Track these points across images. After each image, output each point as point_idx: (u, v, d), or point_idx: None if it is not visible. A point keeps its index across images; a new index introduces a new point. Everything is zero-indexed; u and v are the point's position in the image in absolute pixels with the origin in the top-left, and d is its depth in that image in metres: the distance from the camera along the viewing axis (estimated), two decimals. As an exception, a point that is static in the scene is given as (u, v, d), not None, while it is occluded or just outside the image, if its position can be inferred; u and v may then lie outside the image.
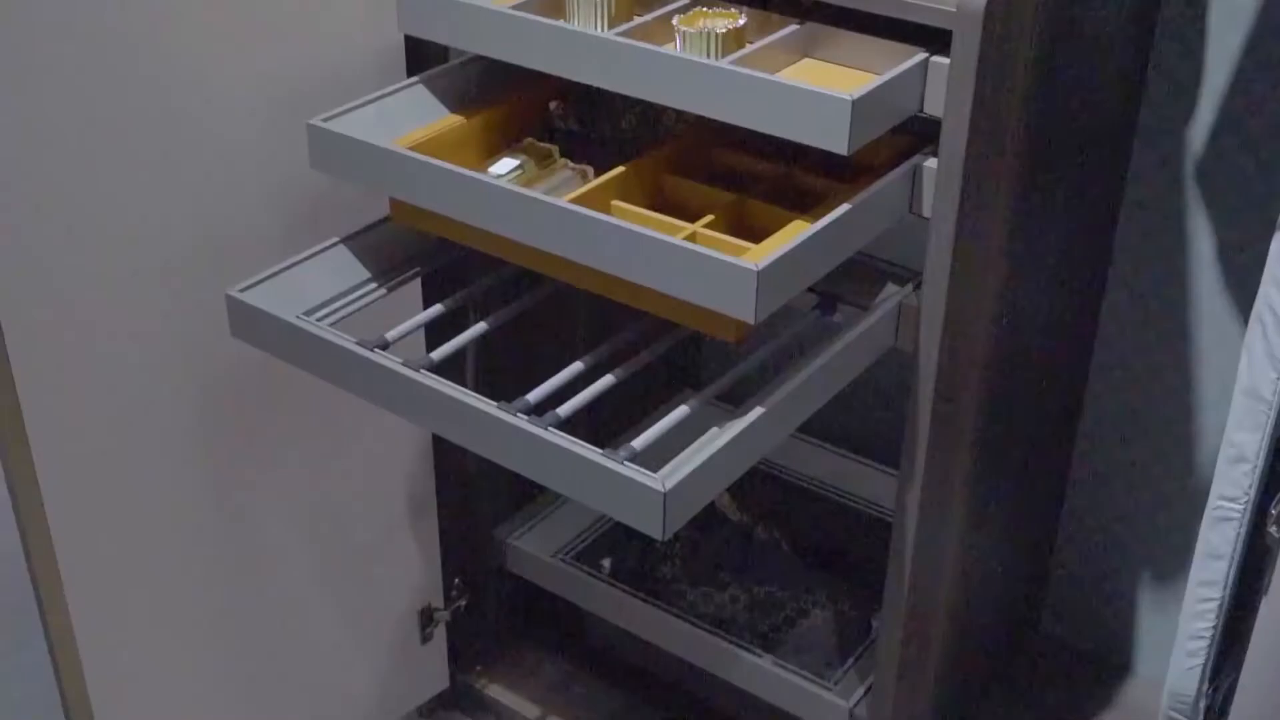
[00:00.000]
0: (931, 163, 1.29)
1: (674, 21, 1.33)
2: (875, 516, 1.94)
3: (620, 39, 1.30)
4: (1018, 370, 1.59)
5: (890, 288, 1.41)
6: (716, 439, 1.19)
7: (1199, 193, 1.66)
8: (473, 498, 1.87)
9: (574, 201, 1.30)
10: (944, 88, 1.23)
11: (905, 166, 1.30)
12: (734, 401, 1.33)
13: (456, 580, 1.92)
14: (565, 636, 2.05)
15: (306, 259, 1.42)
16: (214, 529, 1.57)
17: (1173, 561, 1.87)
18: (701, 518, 1.44)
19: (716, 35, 1.29)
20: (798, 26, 1.34)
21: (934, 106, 1.26)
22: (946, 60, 1.23)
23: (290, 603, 1.71)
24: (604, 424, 1.72)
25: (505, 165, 1.43)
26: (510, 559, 1.89)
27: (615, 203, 1.36)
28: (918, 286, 1.37)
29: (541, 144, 1.49)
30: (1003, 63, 1.25)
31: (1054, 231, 1.55)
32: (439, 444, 1.80)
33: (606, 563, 1.87)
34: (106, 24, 1.27)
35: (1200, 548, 1.34)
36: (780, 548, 1.93)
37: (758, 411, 1.21)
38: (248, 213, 1.46)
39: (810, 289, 1.40)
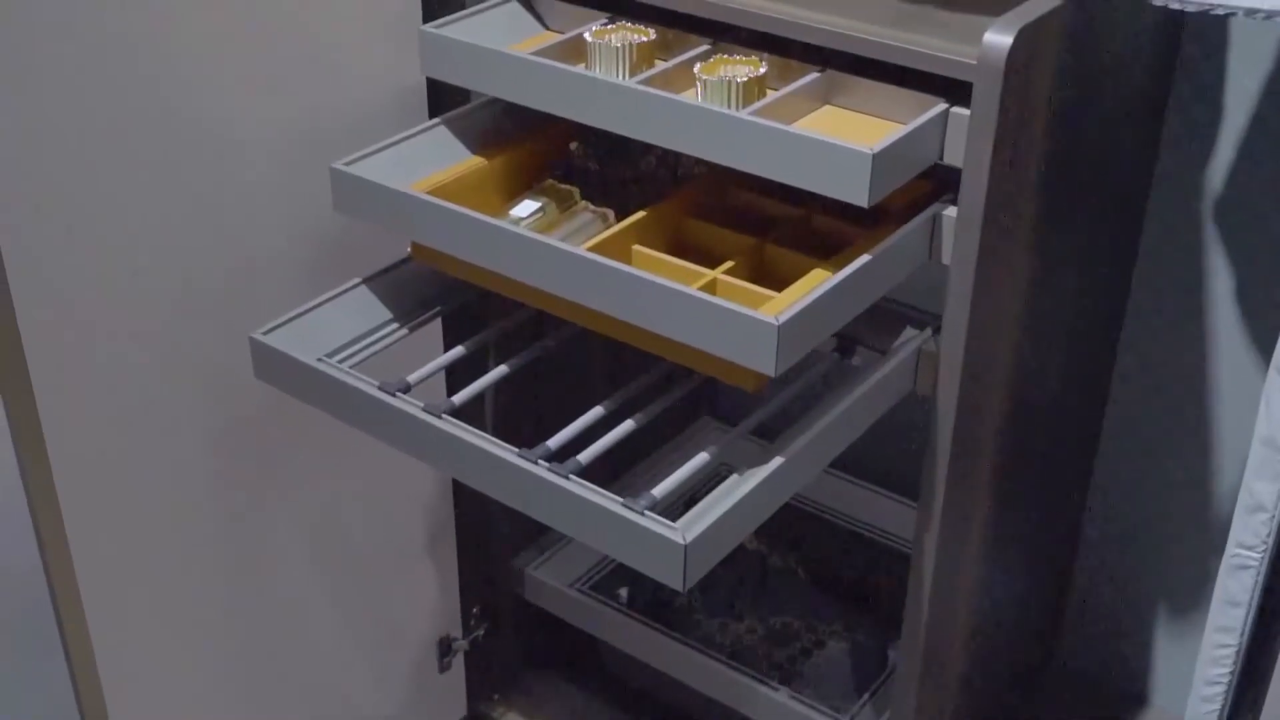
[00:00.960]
0: (951, 211, 1.30)
1: (695, 69, 1.34)
2: (891, 547, 1.95)
3: (641, 88, 1.31)
4: (1036, 411, 1.59)
5: (908, 331, 1.41)
6: (736, 489, 1.20)
7: (1217, 233, 1.66)
8: (491, 527, 1.88)
9: (595, 247, 1.31)
10: (964, 139, 1.24)
11: (925, 215, 1.30)
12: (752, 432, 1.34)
13: (474, 610, 1.93)
14: (582, 666, 2.06)
15: (329, 300, 1.44)
16: (233, 558, 1.58)
17: (1189, 594, 1.88)
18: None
19: (737, 84, 1.30)
20: (818, 74, 1.34)
21: (954, 157, 1.26)
22: (966, 111, 1.23)
23: (309, 632, 1.72)
24: (621, 446, 1.73)
25: (526, 208, 1.44)
26: (528, 589, 1.90)
27: (636, 248, 1.37)
28: (936, 331, 1.37)
29: (562, 185, 1.50)
30: (1022, 113, 1.25)
31: (1073, 275, 1.55)
32: (458, 475, 1.81)
33: (624, 592, 1.88)
34: (139, 71, 1.29)
35: (1218, 594, 1.34)
36: (797, 576, 1.94)
37: (777, 461, 1.22)
38: (272, 252, 1.48)
39: (829, 332, 1.40)
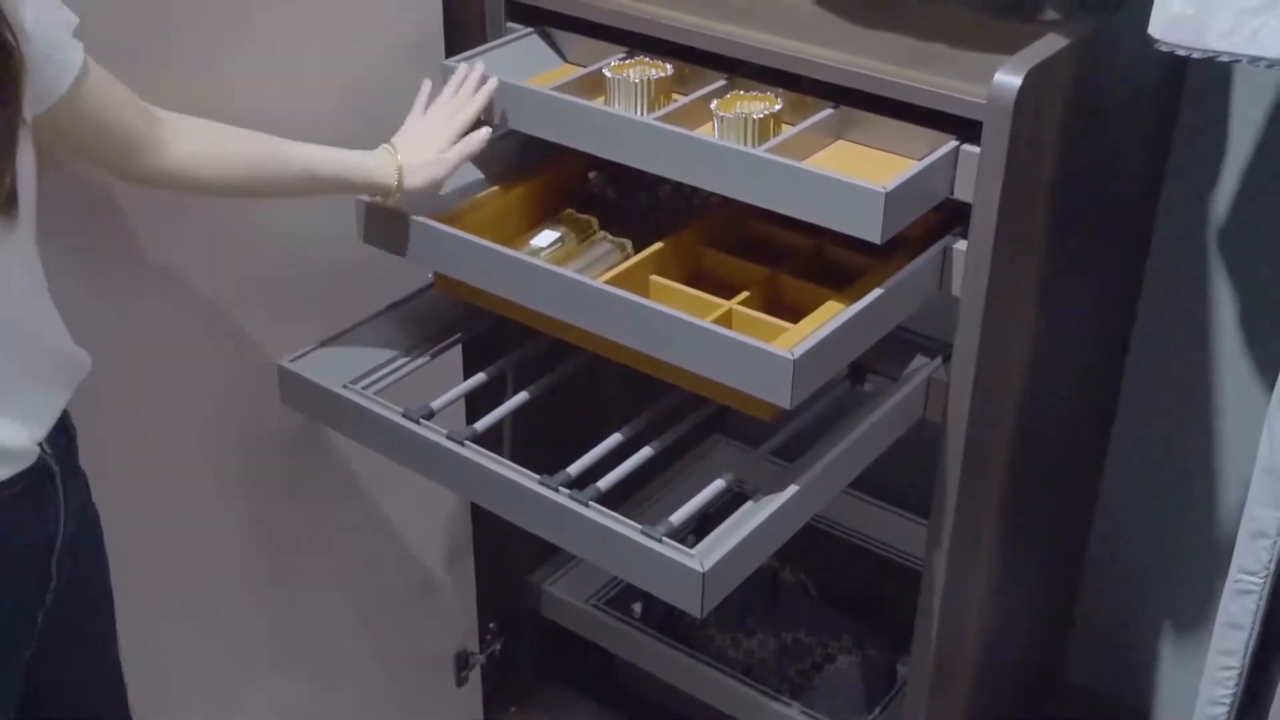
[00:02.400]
0: (961, 245, 1.33)
1: (711, 105, 1.37)
2: (901, 563, 1.97)
3: (661, 125, 1.34)
4: (1043, 435, 1.62)
5: (919, 359, 1.45)
6: (752, 515, 1.23)
7: (1222, 260, 1.69)
8: (508, 544, 1.91)
9: (613, 279, 1.35)
10: (974, 175, 1.27)
11: (936, 248, 1.34)
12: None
13: (491, 625, 1.96)
14: (597, 680, 2.08)
15: (354, 328, 1.47)
16: (257, 574, 1.62)
17: (1194, 612, 1.90)
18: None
19: (753, 120, 1.33)
20: (832, 110, 1.38)
21: (964, 192, 1.29)
22: (976, 149, 1.27)
23: (329, 646, 1.75)
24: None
25: (546, 238, 1.48)
26: (544, 604, 1.93)
27: (654, 278, 1.40)
28: (946, 359, 1.40)
29: (581, 215, 1.53)
30: (1031, 150, 1.29)
31: (1080, 303, 1.59)
32: (476, 494, 1.84)
33: (638, 607, 1.91)
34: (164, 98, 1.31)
35: (1221, 618, 1.37)
36: (808, 592, 1.96)
37: (792, 489, 1.25)
38: (299, 279, 1.51)
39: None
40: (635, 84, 1.40)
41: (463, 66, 1.43)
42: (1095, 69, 1.38)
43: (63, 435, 1.18)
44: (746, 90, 1.40)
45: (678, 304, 1.37)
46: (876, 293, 1.28)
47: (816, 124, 1.36)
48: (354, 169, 1.34)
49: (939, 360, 1.42)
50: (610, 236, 1.50)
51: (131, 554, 1.41)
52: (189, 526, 1.50)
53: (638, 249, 1.47)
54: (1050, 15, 1.45)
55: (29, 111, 1.05)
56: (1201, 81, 1.60)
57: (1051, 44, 1.29)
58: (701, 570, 1.15)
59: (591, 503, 1.25)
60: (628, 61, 1.46)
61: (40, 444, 1.12)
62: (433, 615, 1.90)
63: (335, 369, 1.44)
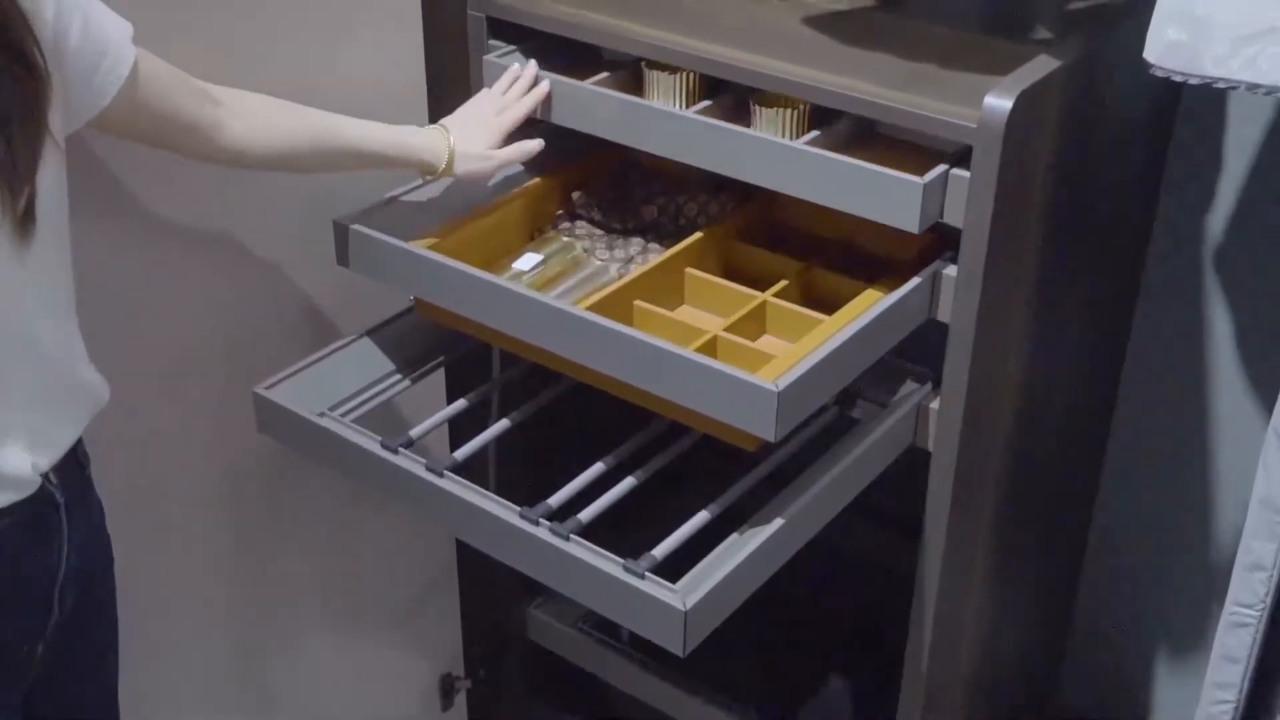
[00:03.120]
0: (950, 270, 1.30)
1: (750, 100, 1.36)
2: (894, 581, 1.94)
3: (706, 119, 1.34)
4: (1036, 459, 1.60)
5: (908, 385, 1.42)
6: (738, 549, 1.20)
7: (1217, 279, 1.67)
8: (494, 567, 1.85)
9: (596, 305, 1.32)
10: (964, 200, 1.24)
11: (925, 274, 1.31)
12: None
13: (477, 649, 1.93)
14: (585, 705, 2.05)
15: (332, 353, 1.44)
16: (240, 597, 1.59)
17: (1189, 633, 1.88)
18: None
19: (799, 111, 1.34)
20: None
21: (954, 216, 1.26)
22: (966, 173, 1.24)
23: (313, 671, 1.73)
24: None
25: (528, 260, 1.45)
26: (531, 628, 1.90)
27: (637, 303, 1.37)
28: (936, 385, 1.38)
29: (566, 237, 1.50)
30: (1022, 175, 1.26)
31: (1073, 325, 1.56)
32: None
33: (626, 630, 1.88)
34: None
35: (1216, 650, 1.34)
36: (799, 611, 1.93)
37: (778, 523, 1.23)
38: (277, 303, 1.48)
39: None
40: (675, 80, 1.40)
41: (515, 66, 1.44)
42: (1088, 90, 1.35)
43: (74, 465, 1.15)
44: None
45: (662, 329, 1.34)
46: (864, 320, 1.25)
47: (836, 129, 1.36)
48: (403, 147, 1.37)
49: (929, 386, 1.39)
50: (597, 257, 1.48)
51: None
52: (168, 551, 1.48)
53: (623, 270, 1.45)
54: (1042, 34, 1.42)
55: (70, 125, 1.08)
56: (1197, 99, 1.58)
57: (1043, 65, 1.26)
58: (684, 609, 1.13)
59: (572, 536, 1.22)
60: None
61: (44, 473, 1.09)
62: (418, 638, 1.87)
63: (313, 395, 1.41)
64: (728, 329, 1.34)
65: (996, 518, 1.54)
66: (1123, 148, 1.52)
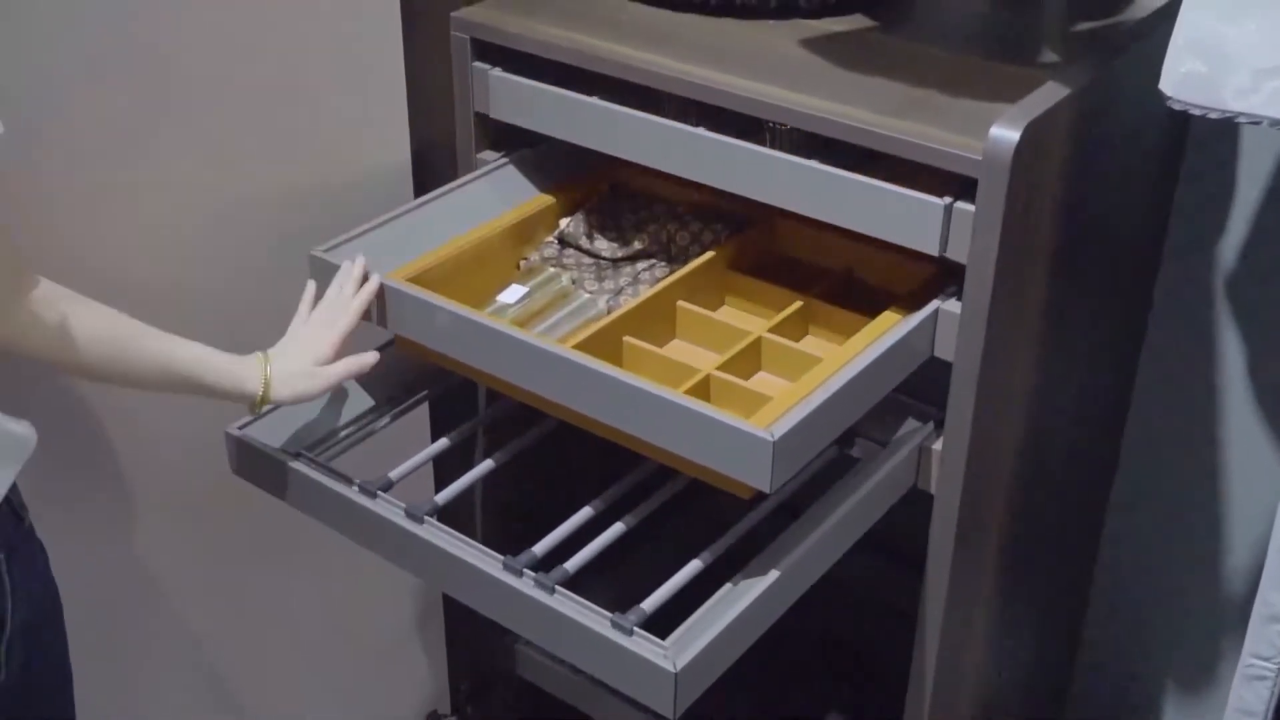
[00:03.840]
0: (952, 306, 1.24)
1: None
2: (896, 615, 1.89)
3: (726, 139, 1.29)
4: (1042, 496, 1.54)
5: (909, 423, 1.36)
6: (731, 604, 1.14)
7: (1230, 308, 1.61)
8: (481, 601, 1.83)
9: (584, 342, 1.26)
10: (968, 234, 1.19)
11: (927, 311, 1.25)
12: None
13: (464, 685, 1.88)
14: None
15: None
16: (221, 633, 1.55)
17: (1197, 670, 1.83)
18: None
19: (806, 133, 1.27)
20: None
21: (958, 252, 1.21)
22: (970, 207, 1.18)
23: (296, 708, 1.69)
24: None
25: (514, 293, 1.39)
26: (519, 663, 1.85)
27: (627, 339, 1.32)
28: (938, 425, 1.32)
29: (553, 267, 1.45)
30: (1030, 208, 1.20)
31: (1080, 360, 1.50)
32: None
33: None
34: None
35: (1233, 703, 1.29)
36: (799, 645, 1.88)
37: (774, 575, 1.17)
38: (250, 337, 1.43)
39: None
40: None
41: (346, 263, 1.30)
42: (1098, 119, 1.29)
43: (10, 517, 1.10)
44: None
45: (652, 367, 1.29)
46: (866, 360, 1.19)
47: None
48: (219, 373, 1.21)
49: (930, 426, 1.33)
50: (586, 289, 1.42)
51: (83, 620, 1.35)
52: (146, 584, 1.44)
53: (613, 302, 1.40)
54: (1047, 57, 1.36)
55: None
56: (1208, 127, 1.52)
57: (1052, 93, 1.20)
58: (674, 670, 1.07)
59: (558, 588, 1.16)
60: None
61: None
62: (402, 674, 1.82)
63: (292, 433, 1.35)
64: (721, 367, 1.28)
65: (1001, 557, 1.48)
66: (1132, 177, 1.46)
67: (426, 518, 1.24)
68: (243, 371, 1.23)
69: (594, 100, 1.36)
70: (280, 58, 1.41)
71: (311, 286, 1.31)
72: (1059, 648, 1.88)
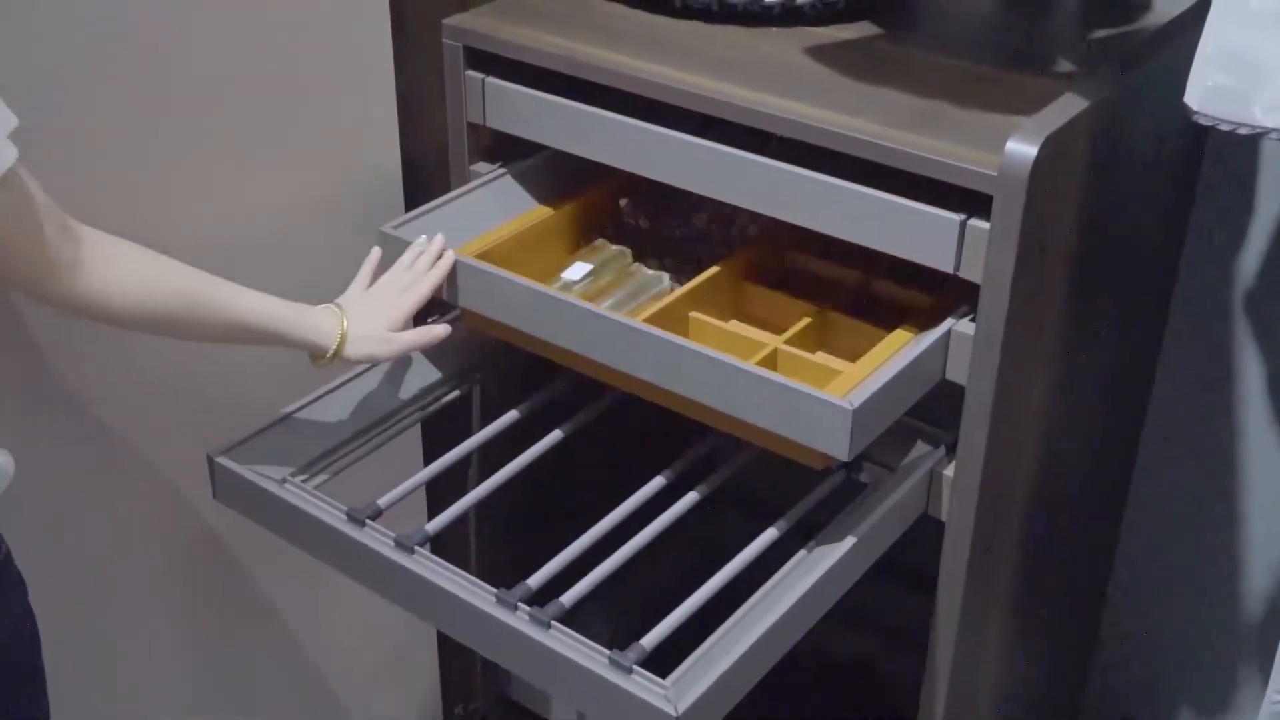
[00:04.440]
0: (967, 326, 1.19)
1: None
2: (904, 637, 1.85)
3: (731, 150, 1.25)
4: (1056, 519, 1.49)
5: (919, 447, 1.31)
6: (735, 642, 1.09)
7: (1248, 324, 1.57)
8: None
9: (653, 317, 1.26)
10: (982, 253, 1.14)
11: (939, 331, 1.20)
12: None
13: (457, 709, 1.85)
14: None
15: (301, 408, 1.33)
16: (209, 657, 1.53)
17: (1213, 695, 1.79)
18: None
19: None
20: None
21: (971, 271, 1.16)
22: (985, 224, 1.13)
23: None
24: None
25: (578, 270, 1.39)
26: (514, 687, 1.80)
27: (693, 315, 1.31)
28: (950, 449, 1.27)
29: (614, 245, 1.44)
30: (1047, 225, 1.15)
31: (1095, 381, 1.46)
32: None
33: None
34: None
35: (1257, 740, 1.24)
36: (804, 666, 1.84)
37: (780, 609, 1.12)
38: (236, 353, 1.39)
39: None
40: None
41: (422, 238, 1.32)
42: (1117, 132, 1.24)
43: None
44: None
45: (719, 343, 1.27)
46: (926, 342, 1.19)
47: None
48: (293, 325, 1.22)
49: (942, 450, 1.28)
50: (647, 266, 1.42)
51: (64, 652, 1.30)
52: (131, 606, 1.41)
53: (676, 279, 1.40)
54: (1063, 67, 1.31)
55: None
56: (1225, 138, 1.47)
57: (1070, 105, 1.15)
58: (675, 714, 1.02)
59: (554, 623, 1.11)
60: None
61: None
62: (394, 698, 1.79)
63: (281, 457, 1.30)
64: (788, 342, 1.27)
65: (1014, 583, 1.44)
66: (1150, 191, 1.41)
67: (417, 548, 1.19)
68: (319, 324, 1.24)
69: (601, 111, 1.32)
70: (268, 67, 1.38)
71: (376, 253, 1.33)
72: (1071, 671, 1.84)
